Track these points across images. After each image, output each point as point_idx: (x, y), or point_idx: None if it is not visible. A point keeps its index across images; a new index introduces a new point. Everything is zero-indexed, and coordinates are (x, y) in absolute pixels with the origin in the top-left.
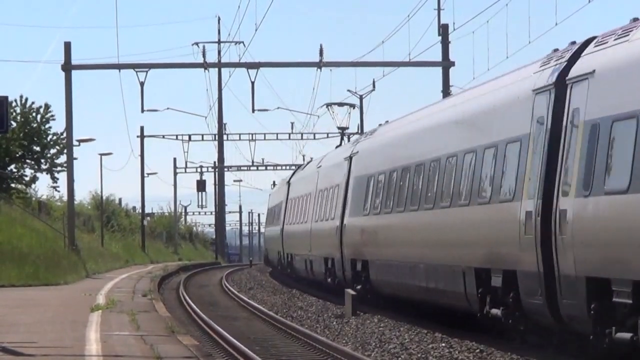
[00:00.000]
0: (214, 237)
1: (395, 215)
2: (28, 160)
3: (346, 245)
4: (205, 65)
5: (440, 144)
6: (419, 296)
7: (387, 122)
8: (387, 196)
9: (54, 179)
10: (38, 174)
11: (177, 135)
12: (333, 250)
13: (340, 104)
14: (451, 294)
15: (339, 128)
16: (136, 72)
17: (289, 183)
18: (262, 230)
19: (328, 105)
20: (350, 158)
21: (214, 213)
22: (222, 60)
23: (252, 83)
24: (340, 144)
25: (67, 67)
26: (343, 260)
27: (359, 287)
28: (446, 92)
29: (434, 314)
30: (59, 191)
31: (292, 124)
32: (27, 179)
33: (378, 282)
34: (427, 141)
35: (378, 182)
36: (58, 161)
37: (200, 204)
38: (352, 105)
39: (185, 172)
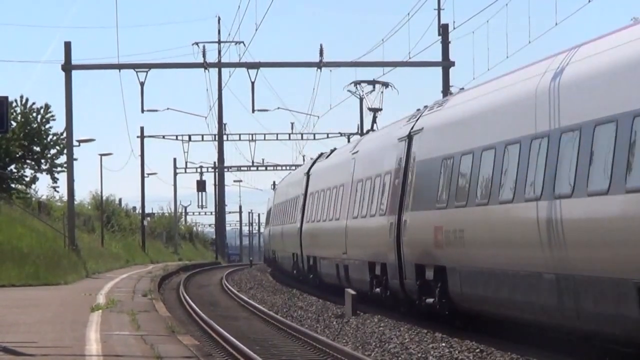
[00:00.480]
0: (214, 237)
1: (498, 207)
2: (28, 161)
3: (408, 246)
4: (205, 65)
5: (580, 108)
6: (541, 318)
7: (462, 89)
8: (480, 182)
9: (54, 179)
10: (38, 174)
11: (177, 136)
12: (385, 252)
13: (371, 82)
14: (608, 319)
15: (369, 109)
16: (136, 72)
17: (308, 174)
18: (262, 230)
19: (356, 83)
20: (409, 137)
21: (214, 213)
22: (222, 60)
23: (252, 83)
24: (370, 129)
25: (67, 67)
26: (402, 266)
27: (430, 300)
28: (446, 92)
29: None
30: (58, 191)
31: (292, 124)
32: (27, 179)
33: (462, 297)
34: (556, 104)
35: (461, 165)
36: (58, 161)
37: (200, 204)
38: (385, 84)
39: (185, 172)
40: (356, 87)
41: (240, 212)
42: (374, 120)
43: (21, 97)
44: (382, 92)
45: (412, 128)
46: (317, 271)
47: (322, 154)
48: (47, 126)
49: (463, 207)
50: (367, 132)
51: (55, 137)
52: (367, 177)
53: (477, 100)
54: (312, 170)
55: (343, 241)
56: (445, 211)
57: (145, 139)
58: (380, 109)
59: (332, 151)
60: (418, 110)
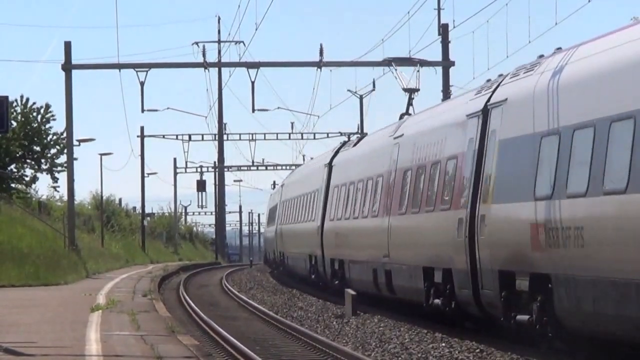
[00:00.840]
0: (214, 237)
1: None
2: (28, 160)
3: (487, 248)
4: (205, 65)
5: None
6: None
7: (559, 49)
8: (612, 164)
9: (54, 179)
10: (38, 174)
11: (177, 135)
12: (449, 255)
13: (406, 59)
14: None
15: (405, 90)
16: (136, 72)
17: (330, 165)
18: (263, 229)
19: (388, 61)
20: (485, 112)
21: (214, 213)
22: (222, 60)
23: (252, 83)
24: (406, 112)
25: (67, 67)
26: (478, 273)
27: (523, 318)
28: (446, 92)
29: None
30: (59, 191)
31: (292, 124)
32: (27, 179)
33: (578, 315)
34: None
35: (575, 142)
36: (58, 161)
37: (200, 204)
38: (422, 62)
39: (185, 172)
40: (389, 66)
41: (240, 212)
42: (409, 103)
43: (21, 96)
44: (418, 71)
45: (488, 101)
46: (346, 277)
47: (346, 142)
48: (47, 126)
49: (582, 197)
50: (402, 116)
51: (55, 137)
52: (418, 164)
53: (604, 56)
54: (336, 161)
55: (384, 242)
56: (549, 203)
57: (146, 139)
58: (418, 90)
59: (360, 138)
60: (489, 80)
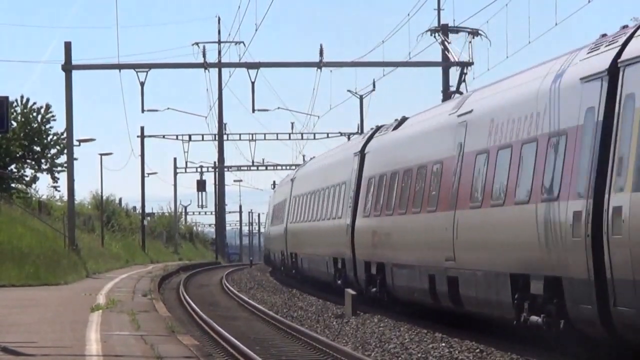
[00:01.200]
0: (214, 237)
1: None
2: (28, 160)
3: (630, 250)
4: (205, 65)
5: None
6: None
7: None
8: None
9: (55, 179)
10: (38, 174)
11: (177, 135)
12: (558, 258)
13: (454, 29)
14: None
15: (457, 64)
16: (136, 72)
17: (362, 154)
18: (265, 228)
19: (433, 32)
20: (614, 72)
21: (214, 213)
22: (222, 60)
23: (252, 83)
24: (457, 90)
25: (67, 67)
26: (610, 285)
27: None
28: (446, 92)
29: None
30: (59, 191)
31: (292, 124)
32: (27, 179)
33: None
34: None
35: None
36: (58, 161)
37: (200, 204)
38: (474, 32)
39: (186, 172)
40: (434, 36)
41: (240, 212)
42: (461, 79)
43: (21, 97)
44: (470, 42)
45: (617, 57)
46: (387, 283)
47: (381, 126)
48: (47, 126)
49: None
50: (452, 94)
51: (55, 137)
52: (499, 145)
53: None
54: (370, 148)
55: (448, 241)
56: None
57: (146, 139)
58: (471, 63)
59: (401, 121)
60: (604, 35)
